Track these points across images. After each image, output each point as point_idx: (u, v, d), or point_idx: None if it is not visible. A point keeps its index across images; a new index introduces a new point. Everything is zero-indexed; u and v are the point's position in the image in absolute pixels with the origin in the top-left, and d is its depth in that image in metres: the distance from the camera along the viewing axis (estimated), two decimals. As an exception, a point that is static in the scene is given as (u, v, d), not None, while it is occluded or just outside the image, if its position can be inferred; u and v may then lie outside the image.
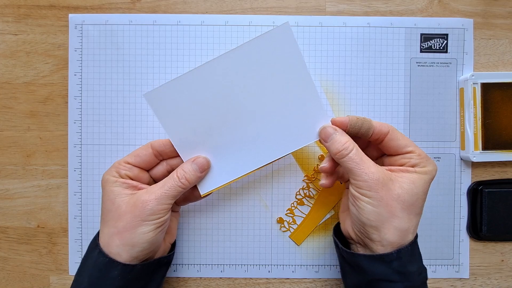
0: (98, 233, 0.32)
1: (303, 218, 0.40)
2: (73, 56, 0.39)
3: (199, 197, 0.34)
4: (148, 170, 0.34)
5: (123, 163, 0.32)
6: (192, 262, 0.40)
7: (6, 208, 0.40)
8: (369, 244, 0.30)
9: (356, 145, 0.30)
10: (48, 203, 0.40)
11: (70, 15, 0.39)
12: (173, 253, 0.35)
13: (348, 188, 0.32)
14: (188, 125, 0.32)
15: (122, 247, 0.30)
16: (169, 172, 0.34)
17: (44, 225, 0.40)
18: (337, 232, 0.35)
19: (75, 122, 0.39)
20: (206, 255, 0.40)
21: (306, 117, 0.32)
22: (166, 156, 0.34)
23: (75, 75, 0.39)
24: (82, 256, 0.33)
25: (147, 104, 0.31)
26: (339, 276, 0.40)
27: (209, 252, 0.40)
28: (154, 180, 0.34)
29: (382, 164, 0.33)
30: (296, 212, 0.40)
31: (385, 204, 0.28)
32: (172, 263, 0.39)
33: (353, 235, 0.32)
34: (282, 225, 0.40)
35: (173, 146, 0.32)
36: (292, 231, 0.40)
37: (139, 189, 0.32)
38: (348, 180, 0.31)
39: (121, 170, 0.32)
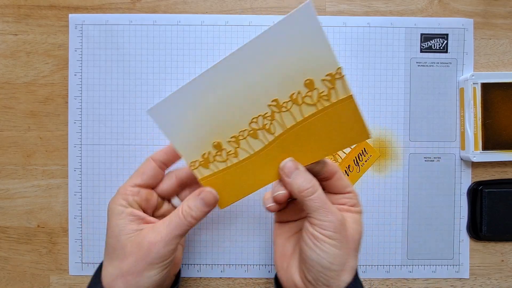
0: (101, 266, 0.30)
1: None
2: (73, 56, 0.39)
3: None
4: (154, 188, 0.32)
5: (130, 187, 0.30)
6: (192, 262, 0.40)
7: (6, 208, 0.40)
8: None
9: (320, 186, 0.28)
10: (48, 203, 0.40)
11: (70, 15, 0.39)
12: (178, 286, 0.33)
13: (299, 230, 0.31)
14: (196, 134, 0.28)
15: None
16: (178, 186, 0.32)
17: (44, 225, 0.40)
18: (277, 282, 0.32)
19: (75, 122, 0.39)
20: (206, 255, 0.40)
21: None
22: (171, 164, 0.32)
23: (75, 75, 0.39)
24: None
25: (152, 120, 0.27)
26: (339, 276, 0.40)
27: (209, 252, 0.40)
28: (162, 198, 0.32)
29: None
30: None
31: (346, 246, 0.27)
32: (172, 263, 0.39)
33: (300, 284, 0.29)
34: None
35: (174, 150, 0.30)
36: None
37: (146, 222, 0.29)
38: (296, 220, 0.31)
39: (128, 196, 0.29)
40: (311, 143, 0.27)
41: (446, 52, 0.40)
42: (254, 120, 0.27)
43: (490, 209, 0.39)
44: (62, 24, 0.40)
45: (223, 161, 0.28)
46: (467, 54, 0.40)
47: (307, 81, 0.25)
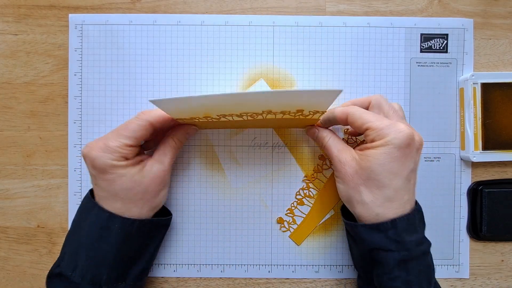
0: (89, 196, 0.34)
1: (303, 218, 0.40)
2: (73, 56, 0.39)
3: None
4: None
5: (124, 146, 0.32)
6: (192, 262, 0.40)
7: (6, 208, 0.40)
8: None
9: (333, 135, 0.34)
10: (48, 203, 0.40)
11: (70, 15, 0.39)
12: (171, 217, 0.37)
13: None
14: (190, 112, 0.31)
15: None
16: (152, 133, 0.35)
17: (44, 225, 0.40)
18: (344, 211, 0.36)
19: (75, 122, 0.39)
20: (206, 255, 0.40)
21: None
22: (162, 129, 0.35)
23: (75, 75, 0.39)
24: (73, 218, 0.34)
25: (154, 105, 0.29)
26: (339, 276, 0.40)
27: (209, 252, 0.40)
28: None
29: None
30: (296, 212, 0.40)
31: (347, 181, 0.31)
32: (172, 263, 0.39)
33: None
34: (282, 225, 0.40)
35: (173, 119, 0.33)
36: (292, 231, 0.40)
37: (140, 160, 0.34)
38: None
39: (128, 154, 0.32)
40: (278, 122, 0.35)
41: (446, 52, 0.40)
42: (244, 113, 0.31)
43: (490, 209, 0.39)
44: (62, 24, 0.40)
45: (205, 120, 0.32)
46: (467, 54, 0.40)
47: (299, 109, 0.30)
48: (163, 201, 0.35)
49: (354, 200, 0.31)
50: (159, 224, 0.36)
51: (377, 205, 0.30)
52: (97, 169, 0.31)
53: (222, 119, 0.32)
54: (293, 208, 0.40)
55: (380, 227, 0.30)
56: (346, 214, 0.35)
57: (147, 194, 0.33)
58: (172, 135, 0.35)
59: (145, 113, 0.33)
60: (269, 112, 0.30)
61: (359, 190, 0.31)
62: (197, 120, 0.33)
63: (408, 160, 0.30)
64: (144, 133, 0.32)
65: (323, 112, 0.31)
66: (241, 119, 0.32)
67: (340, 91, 0.27)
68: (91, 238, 0.32)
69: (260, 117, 0.32)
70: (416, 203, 0.32)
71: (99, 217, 0.32)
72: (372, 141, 0.30)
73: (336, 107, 0.34)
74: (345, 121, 0.33)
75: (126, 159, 0.32)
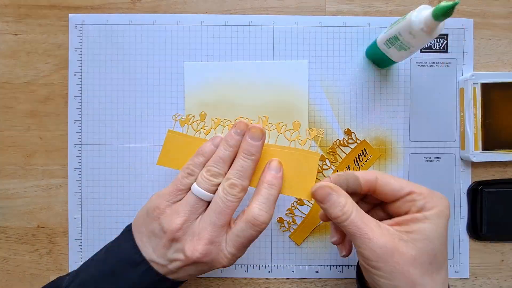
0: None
1: (303, 218, 0.40)
2: (73, 56, 0.39)
3: None
4: None
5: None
6: (192, 262, 0.39)
7: (6, 208, 0.40)
8: None
9: (355, 205, 0.26)
10: (48, 203, 0.40)
11: (70, 15, 0.39)
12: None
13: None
14: (199, 97, 0.35)
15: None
16: None
17: (44, 225, 0.40)
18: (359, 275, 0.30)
19: (75, 122, 0.39)
20: (206, 255, 0.40)
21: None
22: None
23: (75, 75, 0.39)
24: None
25: (184, 69, 0.36)
26: (339, 276, 0.40)
27: (209, 252, 0.40)
28: None
29: (388, 217, 0.28)
30: (296, 212, 0.40)
31: (401, 274, 0.23)
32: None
33: None
34: (282, 225, 0.40)
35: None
36: (292, 231, 0.40)
37: None
38: None
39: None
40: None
41: (446, 52, 0.40)
42: (242, 118, 0.31)
43: (490, 209, 0.39)
44: (62, 24, 0.40)
45: (195, 131, 0.32)
46: (467, 54, 0.40)
47: (296, 122, 0.30)
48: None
49: None
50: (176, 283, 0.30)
51: None
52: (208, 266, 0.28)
53: (212, 127, 0.32)
54: (293, 208, 0.40)
55: None
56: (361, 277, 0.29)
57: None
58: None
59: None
60: (266, 122, 0.30)
61: (419, 283, 0.24)
62: (189, 124, 0.32)
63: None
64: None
65: (320, 138, 0.30)
66: None
67: (305, 62, 0.30)
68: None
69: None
70: None
71: (144, 280, 0.27)
72: (420, 210, 0.25)
73: (350, 172, 0.28)
74: (372, 185, 0.27)
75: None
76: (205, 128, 0.32)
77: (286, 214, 0.40)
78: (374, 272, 0.24)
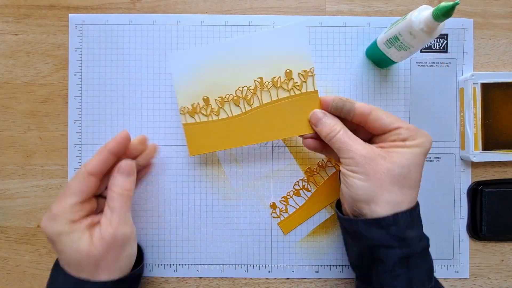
0: (55, 262, 0.32)
1: (295, 209, 0.40)
2: (73, 56, 0.39)
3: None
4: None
5: (69, 207, 0.30)
6: (192, 262, 0.40)
7: (6, 208, 0.40)
8: None
9: (344, 126, 0.31)
10: (48, 203, 0.40)
11: (70, 15, 0.39)
12: (143, 265, 0.36)
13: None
14: (193, 86, 0.35)
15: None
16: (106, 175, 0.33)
17: (44, 225, 0.40)
18: (339, 207, 0.35)
19: (75, 122, 0.39)
20: (206, 255, 0.40)
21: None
22: (105, 169, 0.32)
23: (75, 75, 0.39)
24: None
25: (168, 63, 0.37)
26: (339, 276, 0.40)
27: (209, 252, 0.40)
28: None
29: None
30: (291, 201, 0.40)
31: (374, 178, 0.29)
32: (172, 263, 0.39)
33: (350, 215, 0.32)
34: (274, 211, 0.39)
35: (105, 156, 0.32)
36: (282, 219, 0.40)
37: (92, 224, 0.31)
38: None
39: (70, 216, 0.30)
40: (277, 122, 0.34)
41: (446, 52, 0.40)
42: (240, 88, 0.35)
43: (490, 209, 0.39)
44: (62, 24, 0.40)
45: (206, 116, 0.35)
46: (467, 54, 0.40)
47: (287, 71, 0.34)
48: (132, 260, 0.33)
49: (378, 199, 0.29)
50: (132, 277, 0.33)
51: (405, 205, 0.29)
52: (48, 240, 0.30)
53: (220, 106, 0.35)
54: (288, 197, 0.40)
55: (382, 222, 0.28)
56: (340, 209, 0.34)
57: (104, 261, 0.30)
58: (110, 184, 0.32)
59: (83, 165, 0.31)
60: (262, 82, 0.34)
61: (387, 189, 0.29)
62: (199, 113, 0.35)
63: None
64: (86, 185, 0.30)
65: (313, 75, 0.33)
66: (238, 106, 0.35)
67: (303, 22, 0.33)
68: None
69: (256, 101, 0.34)
70: None
71: (66, 283, 0.30)
72: (404, 140, 0.29)
73: (352, 100, 0.32)
74: (364, 117, 0.31)
75: (73, 221, 0.30)
76: (214, 110, 0.35)
77: (280, 201, 0.40)
78: (351, 174, 0.30)
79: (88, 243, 0.30)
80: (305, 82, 0.34)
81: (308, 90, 0.34)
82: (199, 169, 0.39)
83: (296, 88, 0.34)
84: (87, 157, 0.39)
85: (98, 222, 0.31)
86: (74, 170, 0.39)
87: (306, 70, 0.34)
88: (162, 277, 0.40)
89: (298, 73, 0.34)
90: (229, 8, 0.40)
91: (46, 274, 0.39)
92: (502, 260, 0.40)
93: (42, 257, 0.40)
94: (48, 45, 0.40)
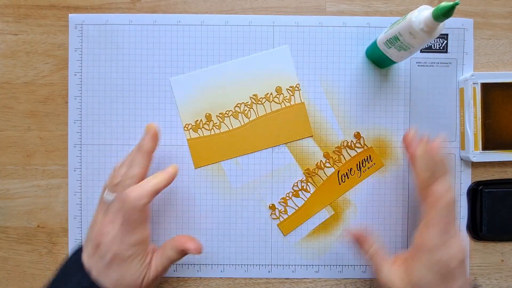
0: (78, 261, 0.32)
1: (295, 210, 0.40)
2: (73, 56, 0.39)
3: None
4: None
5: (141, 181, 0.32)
6: (192, 262, 0.40)
7: (6, 208, 0.40)
8: None
9: (378, 249, 0.35)
10: (48, 203, 0.40)
11: (70, 15, 0.39)
12: None
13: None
14: (195, 105, 0.39)
15: None
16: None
17: (44, 225, 0.40)
18: None
19: (75, 122, 0.39)
20: (206, 255, 0.40)
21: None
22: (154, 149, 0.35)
23: (75, 75, 0.39)
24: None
25: (171, 86, 0.39)
26: (339, 276, 0.40)
27: (209, 252, 0.40)
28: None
29: None
30: (290, 202, 0.40)
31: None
32: (172, 263, 0.39)
33: None
34: (273, 212, 0.39)
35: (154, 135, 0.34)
36: (281, 220, 0.40)
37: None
38: None
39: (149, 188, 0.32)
40: (273, 131, 0.39)
41: (446, 52, 0.40)
42: (238, 105, 0.39)
43: (490, 209, 0.39)
44: (62, 24, 0.40)
45: (208, 130, 0.39)
46: (467, 54, 0.40)
47: (278, 87, 0.39)
48: None
49: None
50: None
51: None
52: (120, 209, 0.31)
53: (221, 121, 0.39)
54: (287, 198, 0.40)
55: None
56: None
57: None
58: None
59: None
60: (257, 98, 0.39)
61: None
62: (202, 128, 0.39)
63: None
64: (146, 161, 0.34)
65: (299, 90, 0.39)
66: (237, 120, 0.39)
67: (286, 46, 0.38)
68: None
69: (253, 114, 0.39)
70: None
71: (82, 284, 0.30)
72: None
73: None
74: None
75: (147, 253, 0.33)
76: (215, 124, 0.39)
77: (279, 202, 0.40)
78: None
79: (140, 281, 0.32)
80: (293, 95, 0.39)
81: (296, 102, 0.39)
82: (199, 169, 0.39)
83: (286, 101, 0.39)
84: (87, 157, 0.39)
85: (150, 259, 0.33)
86: (74, 170, 0.39)
87: (293, 86, 0.39)
88: (162, 277, 0.40)
89: (286, 89, 0.39)
90: (229, 8, 0.40)
91: (46, 274, 0.40)
92: (502, 260, 0.40)
93: (42, 257, 0.40)
94: (48, 45, 0.40)
